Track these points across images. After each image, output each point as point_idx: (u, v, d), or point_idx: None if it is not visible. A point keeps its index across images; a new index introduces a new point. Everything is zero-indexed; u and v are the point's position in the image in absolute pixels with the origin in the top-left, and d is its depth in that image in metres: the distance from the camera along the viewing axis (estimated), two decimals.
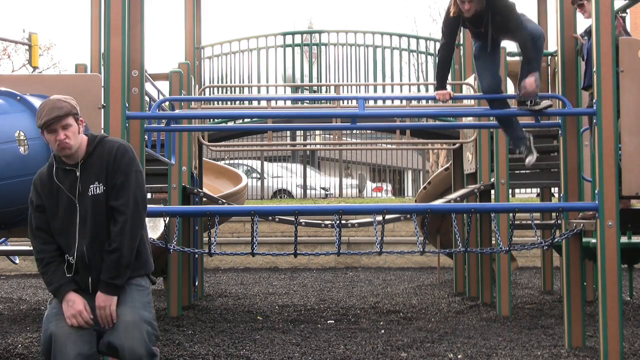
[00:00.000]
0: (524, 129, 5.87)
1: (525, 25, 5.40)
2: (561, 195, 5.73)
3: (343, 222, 6.28)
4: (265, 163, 18.33)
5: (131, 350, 3.41)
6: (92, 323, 3.51)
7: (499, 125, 6.07)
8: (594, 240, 5.59)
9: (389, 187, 21.60)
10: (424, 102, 8.87)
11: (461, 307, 7.77)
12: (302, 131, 17.53)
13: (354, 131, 16.49)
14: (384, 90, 9.79)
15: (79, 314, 3.49)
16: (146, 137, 5.89)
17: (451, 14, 5.37)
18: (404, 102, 8.59)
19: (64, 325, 3.48)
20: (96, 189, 3.60)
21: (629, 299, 8.04)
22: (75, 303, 3.52)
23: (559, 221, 5.62)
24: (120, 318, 3.50)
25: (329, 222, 7.28)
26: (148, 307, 3.61)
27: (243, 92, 9.83)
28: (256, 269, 12.20)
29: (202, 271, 9.03)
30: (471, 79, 8.26)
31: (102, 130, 5.19)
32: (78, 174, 3.62)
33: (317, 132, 19.05)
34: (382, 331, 6.51)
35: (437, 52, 5.92)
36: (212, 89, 9.45)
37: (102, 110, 5.09)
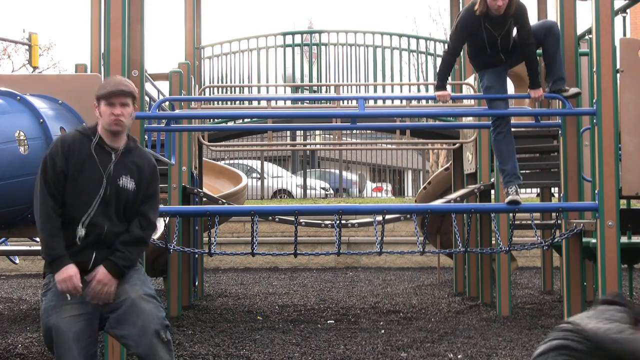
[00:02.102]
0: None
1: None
2: (561, 195, 5.73)
3: (343, 222, 6.28)
4: (265, 163, 18.33)
5: (145, 329, 3.44)
6: (80, 291, 3.47)
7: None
8: (594, 240, 5.59)
9: (389, 187, 21.60)
10: (424, 102, 8.88)
11: (461, 307, 7.77)
12: (302, 131, 17.52)
13: (354, 131, 16.49)
14: (384, 90, 9.79)
15: (70, 279, 3.45)
16: (146, 137, 5.90)
17: (476, 12, 5.34)
18: (404, 102, 8.59)
19: (65, 317, 3.46)
20: (128, 182, 3.66)
21: (629, 299, 8.04)
22: (68, 269, 3.48)
23: (559, 221, 5.63)
24: (124, 298, 3.51)
25: (329, 222, 7.29)
26: (147, 283, 3.66)
27: (243, 92, 9.83)
28: (256, 269, 12.20)
29: (202, 271, 9.03)
30: (471, 79, 8.26)
31: None
32: (114, 157, 3.65)
33: (317, 132, 19.05)
34: (382, 331, 6.51)
35: (443, 54, 5.79)
36: (212, 89, 9.46)
37: None
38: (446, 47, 5.81)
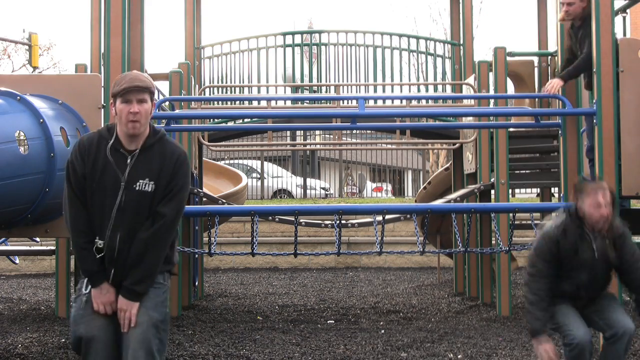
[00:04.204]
0: None
1: None
2: (561, 195, 5.73)
3: (343, 222, 6.28)
4: (265, 163, 18.33)
5: (133, 352, 3.39)
6: (114, 309, 3.46)
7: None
8: None
9: (389, 187, 21.60)
10: (424, 102, 8.87)
11: (461, 307, 7.77)
12: (302, 131, 17.52)
13: (354, 131, 16.48)
14: (384, 90, 9.79)
15: (109, 305, 3.44)
16: None
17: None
18: (404, 102, 8.58)
19: (94, 325, 3.42)
20: (145, 185, 3.49)
21: (628, 299, 8.04)
22: (108, 292, 3.44)
23: None
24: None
25: (329, 222, 7.28)
26: (160, 306, 3.52)
27: (243, 92, 9.83)
28: (256, 269, 12.20)
29: (202, 271, 9.03)
30: (471, 79, 8.26)
31: None
32: (129, 161, 3.49)
33: (317, 132, 19.05)
34: (382, 331, 6.51)
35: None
36: (212, 89, 9.45)
37: (102, 110, 5.09)
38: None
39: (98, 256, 3.46)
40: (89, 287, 3.49)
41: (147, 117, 3.52)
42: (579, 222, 4.21)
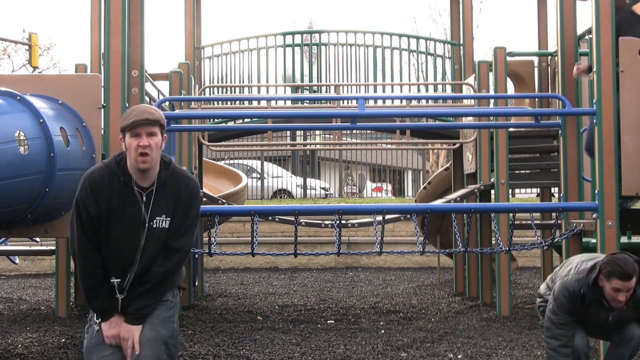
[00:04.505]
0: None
1: None
2: (561, 195, 5.73)
3: (343, 222, 6.28)
4: (265, 163, 18.33)
5: None
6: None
7: None
8: (594, 240, 5.59)
9: (389, 187, 21.60)
10: (424, 102, 8.88)
11: (461, 307, 7.77)
12: (302, 131, 17.52)
13: (354, 131, 16.48)
14: (384, 90, 9.79)
15: (117, 337, 3.38)
16: None
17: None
18: (404, 102, 8.59)
19: (106, 354, 3.37)
20: (162, 222, 3.41)
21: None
22: (117, 325, 3.39)
23: (559, 221, 5.62)
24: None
25: (329, 222, 7.28)
26: (168, 322, 3.45)
27: (243, 92, 9.83)
28: (256, 269, 12.20)
29: (202, 271, 9.02)
30: (471, 79, 8.26)
31: (102, 131, 5.20)
32: (145, 199, 3.39)
33: (317, 132, 19.04)
34: (382, 331, 6.51)
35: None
36: (212, 89, 9.45)
37: (102, 110, 5.09)
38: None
39: (118, 296, 3.39)
40: (97, 315, 3.45)
41: (157, 151, 3.40)
42: (597, 291, 4.21)
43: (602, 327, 4.39)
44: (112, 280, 3.40)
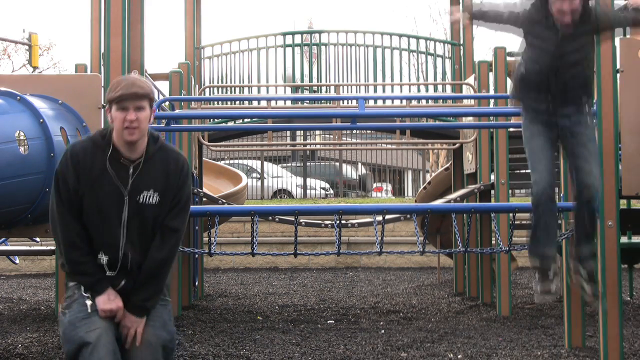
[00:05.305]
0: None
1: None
2: (561, 195, 5.73)
3: (343, 222, 6.28)
4: (265, 163, 18.34)
5: None
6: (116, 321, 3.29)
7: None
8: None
9: (389, 187, 21.59)
10: (424, 102, 8.88)
11: (461, 307, 7.77)
12: (302, 131, 17.52)
13: (354, 131, 16.48)
14: (384, 90, 9.79)
15: (117, 312, 3.24)
16: None
17: None
18: (404, 102, 8.59)
19: (95, 328, 3.17)
20: (149, 197, 3.28)
21: (629, 299, 8.04)
22: (117, 299, 3.25)
23: (558, 221, 5.62)
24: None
25: (329, 222, 7.28)
26: (168, 324, 3.37)
27: (243, 92, 9.83)
28: (256, 269, 12.20)
29: (202, 271, 9.03)
30: (471, 79, 8.26)
31: None
32: (131, 171, 3.27)
33: (317, 132, 19.04)
34: (382, 331, 6.51)
35: None
36: (212, 89, 9.46)
37: (102, 110, 5.09)
38: None
39: (109, 273, 3.28)
40: (88, 293, 3.27)
41: (145, 125, 3.28)
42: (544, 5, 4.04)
43: (553, 57, 4.10)
44: (99, 257, 3.28)
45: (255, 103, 8.71)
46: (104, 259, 3.29)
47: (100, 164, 3.27)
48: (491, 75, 7.54)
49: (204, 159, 9.50)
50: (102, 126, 5.11)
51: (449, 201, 7.60)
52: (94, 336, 3.14)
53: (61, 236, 3.29)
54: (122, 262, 3.30)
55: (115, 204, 3.27)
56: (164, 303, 3.41)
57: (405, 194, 22.16)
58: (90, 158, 3.28)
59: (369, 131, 16.17)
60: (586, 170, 4.17)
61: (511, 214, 5.46)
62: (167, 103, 7.15)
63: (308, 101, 9.42)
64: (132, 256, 3.30)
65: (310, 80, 9.91)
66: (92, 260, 3.29)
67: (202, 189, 8.74)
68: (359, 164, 22.09)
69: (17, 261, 8.51)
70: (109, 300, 3.25)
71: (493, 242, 8.15)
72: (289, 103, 9.59)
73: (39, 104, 4.70)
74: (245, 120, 9.14)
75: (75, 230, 3.27)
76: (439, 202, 7.91)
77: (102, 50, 5.23)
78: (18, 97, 4.64)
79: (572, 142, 4.23)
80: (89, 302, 3.25)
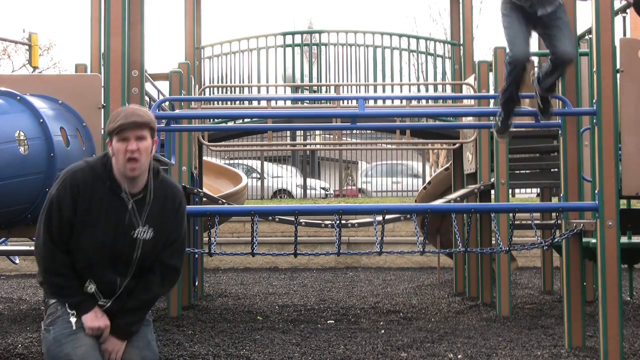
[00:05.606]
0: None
1: None
2: (561, 195, 5.73)
3: (343, 222, 6.28)
4: (265, 163, 18.34)
5: None
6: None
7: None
8: (594, 240, 5.59)
9: None
10: (424, 102, 8.88)
11: (461, 307, 7.77)
12: (302, 131, 17.53)
13: (354, 131, 16.49)
14: (384, 90, 9.79)
15: (104, 330, 3.21)
16: None
17: None
18: (404, 102, 8.59)
19: (81, 345, 3.13)
20: (144, 232, 3.25)
21: (629, 299, 8.04)
22: (104, 317, 3.22)
23: (559, 221, 5.62)
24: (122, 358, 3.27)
25: (329, 222, 7.28)
26: (152, 345, 3.34)
27: (243, 92, 9.83)
28: (256, 269, 12.20)
29: (202, 271, 9.03)
30: (471, 79, 8.26)
31: (102, 131, 5.19)
32: (130, 207, 3.23)
33: (317, 132, 19.05)
34: (382, 331, 6.51)
35: None
36: (212, 89, 9.46)
37: (102, 110, 5.09)
38: None
39: (101, 301, 3.25)
40: (73, 309, 3.22)
41: (147, 156, 3.21)
42: None
43: None
44: (87, 285, 3.23)
45: (255, 103, 8.71)
46: (92, 287, 3.25)
47: (98, 196, 3.21)
48: (491, 75, 7.53)
49: (204, 159, 9.50)
50: (102, 126, 5.11)
51: (449, 201, 7.60)
52: (80, 353, 3.10)
53: (43, 262, 3.24)
54: (111, 289, 3.27)
55: (109, 238, 3.22)
56: (146, 323, 3.38)
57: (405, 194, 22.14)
58: (90, 190, 3.22)
59: (369, 131, 16.17)
60: (563, 43, 4.91)
61: (511, 214, 5.45)
62: (167, 103, 7.15)
63: (308, 101, 9.42)
64: (123, 285, 3.28)
65: (310, 80, 9.91)
66: (77, 283, 3.24)
67: (202, 189, 8.74)
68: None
69: (17, 261, 8.51)
70: (96, 318, 3.22)
71: (493, 242, 8.15)
72: (289, 103, 9.59)
73: (39, 104, 4.70)
74: (245, 120, 9.15)
75: (60, 260, 3.21)
76: (439, 202, 7.90)
77: (102, 50, 5.23)
78: (18, 97, 4.63)
79: (549, 29, 4.96)
80: (73, 320, 3.20)
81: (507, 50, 5.00)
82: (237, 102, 9.20)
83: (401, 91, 9.74)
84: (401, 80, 10.03)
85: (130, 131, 3.17)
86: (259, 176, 17.89)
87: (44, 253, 3.22)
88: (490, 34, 44.23)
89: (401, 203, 14.40)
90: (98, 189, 3.22)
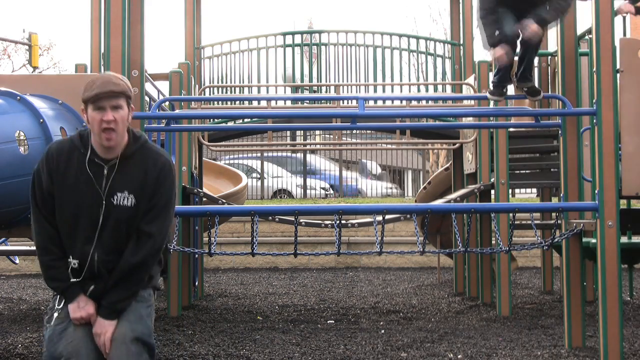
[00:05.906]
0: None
1: None
2: (561, 195, 5.73)
3: (343, 222, 6.27)
4: (265, 163, 18.34)
5: None
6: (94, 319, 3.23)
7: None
8: (594, 240, 5.59)
9: None
10: (424, 102, 8.87)
11: (461, 307, 7.77)
12: (302, 131, 17.52)
13: (354, 131, 16.48)
14: (384, 90, 9.79)
15: (88, 319, 3.18)
16: None
17: None
18: (404, 102, 8.59)
19: (75, 341, 3.13)
20: (124, 199, 3.18)
21: (629, 299, 8.04)
22: (87, 305, 3.19)
23: (559, 221, 5.62)
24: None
25: (329, 222, 7.28)
26: (145, 320, 3.25)
27: (243, 92, 9.83)
28: (256, 269, 12.20)
29: (202, 271, 9.03)
30: (471, 79, 8.26)
31: None
32: (106, 172, 3.19)
33: (317, 132, 19.04)
34: (382, 331, 6.51)
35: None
36: (212, 89, 9.46)
37: None
38: None
39: (73, 279, 3.21)
40: (62, 302, 3.24)
41: (124, 125, 3.18)
42: None
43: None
44: (69, 260, 3.21)
45: (255, 103, 8.71)
46: (74, 262, 3.22)
47: (75, 165, 3.20)
48: (491, 75, 7.52)
49: (204, 159, 9.50)
50: None
51: (449, 201, 7.60)
52: (71, 349, 3.10)
53: (35, 238, 3.26)
54: (89, 266, 3.22)
55: (87, 206, 3.19)
56: (141, 300, 3.29)
57: (405, 194, 22.16)
58: (65, 158, 3.21)
59: (369, 131, 16.17)
60: (532, 25, 5.15)
61: (511, 214, 5.45)
62: (167, 103, 7.15)
63: (308, 101, 9.42)
64: (102, 260, 3.22)
65: (310, 80, 9.91)
66: (64, 265, 3.23)
67: (202, 189, 8.74)
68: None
69: (17, 261, 8.51)
70: (78, 308, 3.20)
71: (493, 242, 8.15)
72: (289, 103, 9.59)
73: (39, 104, 4.70)
74: (245, 120, 9.15)
75: (48, 233, 3.22)
76: (439, 202, 7.90)
77: (102, 50, 5.23)
78: (18, 97, 4.63)
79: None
80: (55, 314, 3.23)
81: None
82: (237, 102, 9.20)
83: (401, 91, 9.74)
84: (401, 80, 10.03)
85: (107, 100, 3.14)
86: (259, 176, 17.89)
87: (36, 229, 3.25)
88: None
89: (401, 203, 14.40)
90: (74, 158, 3.21)
